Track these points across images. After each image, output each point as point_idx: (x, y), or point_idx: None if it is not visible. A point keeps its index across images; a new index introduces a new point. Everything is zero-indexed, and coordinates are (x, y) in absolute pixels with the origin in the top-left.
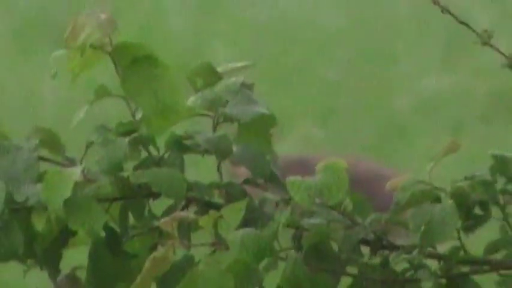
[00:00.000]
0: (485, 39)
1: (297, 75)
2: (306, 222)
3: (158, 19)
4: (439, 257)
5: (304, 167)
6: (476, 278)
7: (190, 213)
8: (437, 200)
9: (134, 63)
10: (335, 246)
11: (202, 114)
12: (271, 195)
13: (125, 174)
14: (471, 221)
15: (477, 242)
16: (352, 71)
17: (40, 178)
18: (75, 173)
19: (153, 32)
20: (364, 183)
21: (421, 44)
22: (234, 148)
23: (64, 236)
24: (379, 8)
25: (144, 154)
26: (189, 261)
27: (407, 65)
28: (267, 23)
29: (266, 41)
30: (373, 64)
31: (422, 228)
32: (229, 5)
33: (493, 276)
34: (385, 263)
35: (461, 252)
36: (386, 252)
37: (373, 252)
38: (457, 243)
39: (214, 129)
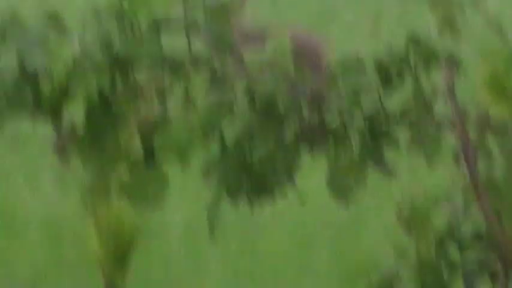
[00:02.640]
0: None
1: None
2: (260, 87)
3: None
4: (364, 117)
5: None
6: (394, 132)
7: (166, 80)
8: (363, 71)
9: None
10: (282, 109)
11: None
12: (231, 67)
13: (114, 50)
14: (390, 87)
15: (394, 103)
16: None
17: (47, 52)
18: (75, 47)
19: None
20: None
21: None
22: (201, 28)
23: (65, 97)
24: None
25: (129, 34)
26: (165, 119)
27: None
28: None
29: None
30: None
31: (352, 94)
32: None
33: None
34: (321, 121)
35: (382, 112)
36: (322, 111)
37: (312, 111)
38: (378, 105)
39: (186, 14)
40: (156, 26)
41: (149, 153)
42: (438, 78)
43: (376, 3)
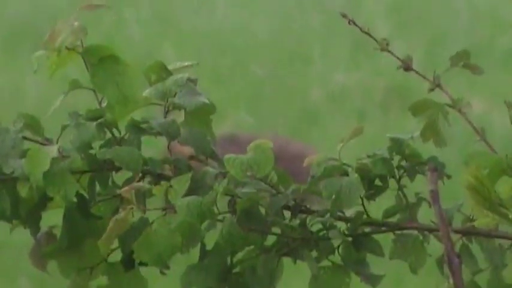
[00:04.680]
0: (384, 46)
1: (232, 73)
2: (239, 191)
3: (119, 28)
4: (346, 220)
5: (234, 142)
6: (377, 237)
7: (145, 184)
8: (345, 173)
9: (101, 61)
10: (263, 211)
11: (156, 104)
12: (211, 169)
13: (93, 151)
14: (372, 191)
15: (377, 208)
16: (276, 69)
17: (24, 154)
18: (53, 150)
19: (115, 38)
20: (288, 160)
21: (333, 48)
22: (181, 131)
23: (43, 201)
24: (298, 19)
25: (108, 135)
26: (144, 223)
27: (321, 64)
28: (208, 31)
29: (207, 45)
30: (293, 63)
31: (333, 196)
32: (177, 16)
33: (390, 236)
34: (303, 224)
35: (364, 216)
36: (304, 215)
37: (294, 215)
38: (361, 208)
39: (165, 115)
40: (136, 128)
41: (128, 257)
42: (422, 183)
43: (359, 107)
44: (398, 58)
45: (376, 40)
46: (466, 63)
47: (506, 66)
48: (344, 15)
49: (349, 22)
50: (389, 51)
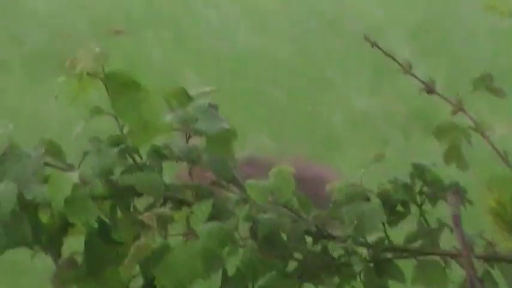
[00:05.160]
0: (406, 69)
1: (252, 97)
2: (261, 216)
3: (140, 53)
4: (368, 246)
5: (253, 165)
6: (399, 262)
7: (167, 209)
8: (367, 199)
9: (122, 87)
10: (284, 237)
11: (177, 129)
12: (233, 195)
13: (114, 177)
14: (394, 217)
15: (399, 234)
16: (297, 93)
17: (45, 180)
18: (74, 176)
19: (136, 63)
20: (309, 183)
21: (354, 71)
22: (203, 156)
23: (64, 227)
24: (319, 41)
25: (129, 161)
26: (165, 248)
27: (342, 88)
28: (229, 54)
29: (227, 69)
30: (314, 87)
31: (355, 222)
32: (198, 39)
33: (412, 261)
34: (324, 250)
35: (386, 242)
36: (325, 241)
37: (315, 241)
38: (382, 234)
39: (187, 141)
40: (157, 154)
41: (149, 283)
42: (444, 207)
43: (381, 132)
44: (421, 81)
45: (398, 63)
46: (489, 86)
47: None
48: (367, 38)
49: (372, 45)
50: (412, 74)
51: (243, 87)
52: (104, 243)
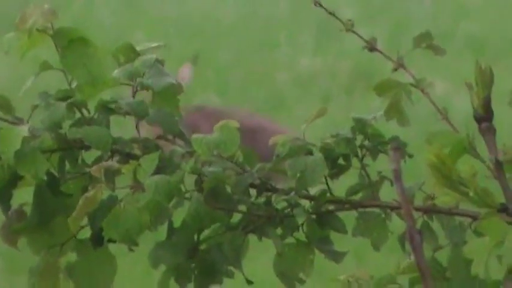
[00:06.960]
0: (349, 27)
1: (200, 57)
2: (206, 170)
3: (89, 13)
4: (310, 198)
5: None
6: (340, 214)
7: (114, 162)
8: (310, 153)
9: (71, 43)
10: (229, 189)
11: (124, 84)
12: (179, 148)
13: (63, 131)
14: (336, 170)
15: (341, 187)
16: (243, 54)
17: None
18: (24, 129)
19: (86, 24)
20: (255, 134)
21: (298, 32)
22: (150, 111)
23: (14, 180)
24: (263, 4)
25: (78, 115)
26: (113, 200)
27: (287, 49)
28: (177, 17)
29: (175, 31)
30: (260, 49)
31: (298, 175)
32: (147, 3)
33: (353, 213)
34: (268, 202)
35: (328, 194)
36: (269, 194)
37: (259, 194)
38: (325, 187)
39: (134, 95)
40: (105, 108)
41: (97, 234)
42: (384, 161)
43: (325, 90)
44: (363, 38)
45: (341, 21)
46: (429, 44)
47: (468, 50)
48: None
49: (315, 3)
50: (354, 32)
51: (190, 48)
52: (53, 195)
